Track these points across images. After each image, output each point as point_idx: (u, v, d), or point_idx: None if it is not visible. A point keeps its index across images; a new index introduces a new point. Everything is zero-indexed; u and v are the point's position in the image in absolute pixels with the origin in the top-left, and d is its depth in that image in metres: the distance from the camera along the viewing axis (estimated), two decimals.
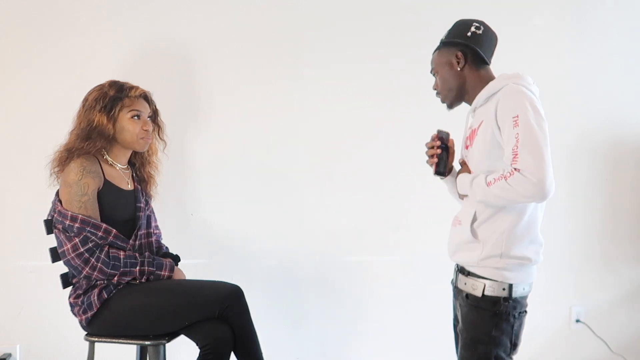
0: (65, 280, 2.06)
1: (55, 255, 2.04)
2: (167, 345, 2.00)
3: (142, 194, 2.17)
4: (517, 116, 1.51)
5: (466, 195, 1.71)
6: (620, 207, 2.97)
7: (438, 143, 1.79)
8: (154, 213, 2.27)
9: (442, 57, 1.76)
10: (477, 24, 1.72)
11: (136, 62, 2.57)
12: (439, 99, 1.85)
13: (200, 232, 2.66)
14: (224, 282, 2.12)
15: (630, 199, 2.97)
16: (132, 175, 2.17)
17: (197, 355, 1.94)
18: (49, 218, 2.03)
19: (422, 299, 2.79)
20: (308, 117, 2.69)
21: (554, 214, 2.92)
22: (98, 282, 1.96)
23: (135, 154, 2.18)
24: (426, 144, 1.82)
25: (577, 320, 2.94)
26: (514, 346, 1.62)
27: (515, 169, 1.49)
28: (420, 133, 2.71)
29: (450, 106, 1.80)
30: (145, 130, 2.06)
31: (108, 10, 2.56)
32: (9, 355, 2.56)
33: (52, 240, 2.03)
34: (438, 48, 1.79)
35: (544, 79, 2.80)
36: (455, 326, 1.83)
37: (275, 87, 2.67)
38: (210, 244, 2.67)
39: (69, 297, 2.02)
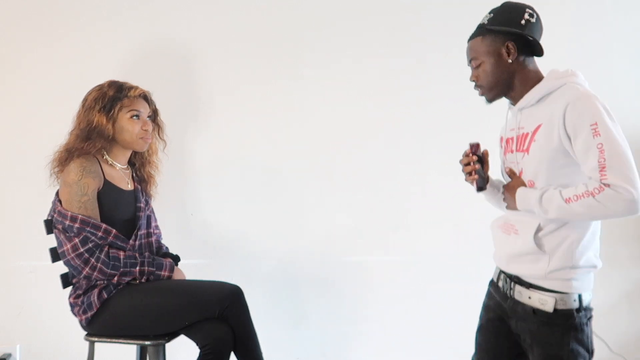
0: (65, 280, 2.06)
1: (55, 255, 2.04)
2: (167, 345, 2.00)
3: (142, 193, 2.17)
4: (596, 124, 1.39)
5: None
6: None
7: (475, 158, 1.64)
8: (154, 213, 2.27)
9: (488, 46, 1.56)
10: (530, 11, 1.56)
11: (136, 62, 2.57)
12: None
13: (200, 232, 2.66)
14: (224, 282, 2.12)
15: None
16: (132, 175, 2.17)
17: (197, 355, 1.94)
18: (49, 218, 2.03)
19: (422, 299, 2.79)
20: (308, 117, 2.68)
21: None
22: (98, 282, 1.96)
23: (135, 154, 2.18)
24: (460, 161, 1.69)
25: None
26: (591, 353, 1.52)
27: (605, 184, 1.38)
28: (420, 133, 2.73)
29: (491, 100, 1.64)
30: (145, 130, 2.06)
31: (108, 10, 2.56)
32: (9, 355, 2.56)
33: (52, 241, 2.03)
34: (480, 34, 1.58)
35: None
36: (480, 328, 1.74)
37: (275, 87, 2.67)
38: (210, 244, 2.66)
39: (69, 297, 2.02)
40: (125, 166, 2.14)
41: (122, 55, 2.55)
